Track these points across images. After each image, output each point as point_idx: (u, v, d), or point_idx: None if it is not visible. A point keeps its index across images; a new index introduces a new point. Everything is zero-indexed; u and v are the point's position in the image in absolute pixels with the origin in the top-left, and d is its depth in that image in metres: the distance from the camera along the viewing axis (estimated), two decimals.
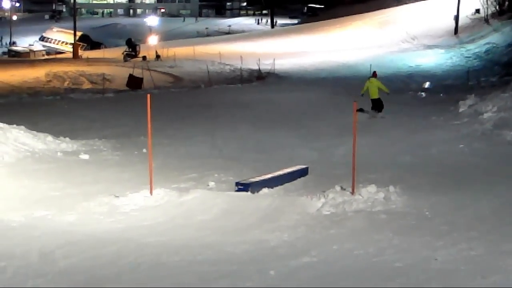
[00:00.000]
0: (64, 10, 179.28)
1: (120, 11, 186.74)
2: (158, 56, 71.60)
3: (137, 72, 51.71)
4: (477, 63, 58.93)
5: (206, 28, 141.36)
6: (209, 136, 25.39)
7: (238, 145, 23.99)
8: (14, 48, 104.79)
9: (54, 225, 12.88)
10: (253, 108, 34.30)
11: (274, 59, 60.18)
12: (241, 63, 61.05)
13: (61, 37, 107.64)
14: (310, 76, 56.19)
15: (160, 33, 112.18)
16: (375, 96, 31.51)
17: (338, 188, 15.33)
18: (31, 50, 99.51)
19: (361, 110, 29.15)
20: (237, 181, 16.86)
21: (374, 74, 33.26)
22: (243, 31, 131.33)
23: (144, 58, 69.88)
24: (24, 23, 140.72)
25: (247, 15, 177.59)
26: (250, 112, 32.89)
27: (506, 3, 74.65)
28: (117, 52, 79.69)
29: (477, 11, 78.71)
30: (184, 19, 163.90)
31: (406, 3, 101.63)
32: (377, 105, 31.40)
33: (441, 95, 41.42)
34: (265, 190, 16.32)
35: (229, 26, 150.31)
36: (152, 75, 51.95)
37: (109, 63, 66.89)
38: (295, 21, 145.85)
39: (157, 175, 16.26)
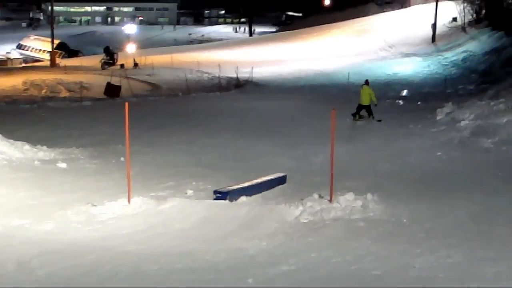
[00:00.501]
0: (41, 18, 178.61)
1: (98, 19, 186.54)
2: (136, 64, 71.45)
3: (115, 80, 51.52)
4: (454, 71, 59.16)
5: (190, 34, 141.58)
6: (187, 144, 25.34)
7: (217, 153, 23.96)
8: None
9: (32, 234, 12.81)
10: (232, 116, 34.29)
11: (252, 67, 60.17)
12: (219, 71, 61.00)
13: (39, 45, 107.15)
14: (288, 84, 56.23)
15: (138, 41, 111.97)
16: (366, 103, 32.97)
17: (316, 196, 15.33)
18: (8, 58, 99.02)
19: (358, 116, 32.90)
20: (215, 189, 16.84)
21: (367, 82, 34.49)
22: (221, 39, 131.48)
23: (122, 66, 69.68)
24: (1, 31, 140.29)
25: (225, 23, 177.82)
26: (229, 120, 32.88)
27: (483, 11, 75.07)
28: (95, 60, 79.45)
29: (454, 19, 79.14)
30: (162, 27, 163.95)
31: (384, 11, 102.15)
32: (368, 110, 32.99)
33: (419, 103, 41.55)
34: (243, 198, 16.30)
35: (203, 35, 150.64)
36: (130, 83, 51.79)
37: (87, 71, 66.62)
38: (274, 29, 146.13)
39: (135, 183, 16.21)
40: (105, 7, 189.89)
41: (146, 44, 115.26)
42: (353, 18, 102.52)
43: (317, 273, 10.33)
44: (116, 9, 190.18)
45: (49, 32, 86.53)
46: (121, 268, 10.45)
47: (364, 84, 34.26)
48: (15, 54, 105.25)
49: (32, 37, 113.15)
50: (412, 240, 12.31)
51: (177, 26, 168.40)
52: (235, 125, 31.09)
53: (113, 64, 72.74)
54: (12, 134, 23.90)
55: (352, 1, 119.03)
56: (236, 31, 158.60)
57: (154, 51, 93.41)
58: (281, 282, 9.91)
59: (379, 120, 32.14)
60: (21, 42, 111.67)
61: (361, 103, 33.18)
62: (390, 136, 27.57)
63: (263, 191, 17.50)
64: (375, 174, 20.12)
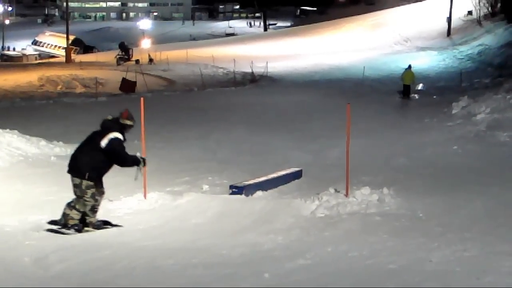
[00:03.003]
0: (56, 14, 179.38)
1: (112, 14, 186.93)
2: (151, 60, 71.58)
3: (130, 76, 51.66)
4: (470, 64, 58.94)
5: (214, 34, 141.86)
6: (203, 139, 25.37)
7: (232, 148, 23.98)
8: (6, 52, 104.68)
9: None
10: (247, 111, 34.30)
11: (267, 62, 60.18)
12: (234, 66, 61.03)
13: (54, 41, 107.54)
14: (303, 78, 56.18)
15: (153, 36, 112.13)
16: (408, 82, 42.91)
17: (332, 190, 15.31)
18: (24, 55, 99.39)
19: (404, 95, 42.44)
20: (231, 184, 16.84)
21: (409, 67, 44.51)
22: (235, 34, 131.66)
23: (137, 61, 69.83)
24: (17, 27, 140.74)
25: (240, 18, 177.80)
26: (244, 115, 32.89)
27: (499, 4, 74.71)
28: (110, 56, 79.69)
29: (470, 12, 78.78)
30: (183, 22, 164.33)
31: (398, 5, 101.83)
32: (406, 90, 42.39)
33: (434, 96, 41.48)
34: (259, 193, 16.32)
35: (231, 27, 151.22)
36: (145, 79, 51.91)
37: (102, 67, 66.81)
38: (289, 23, 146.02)
39: (151, 178, 16.22)
40: (119, 3, 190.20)
41: (161, 40, 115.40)
42: (367, 12, 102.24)
43: (333, 267, 10.32)
44: (130, 4, 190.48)
45: (64, 28, 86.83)
46: (137, 263, 10.47)
47: (407, 68, 44.16)
48: (31, 50, 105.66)
49: (48, 33, 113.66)
50: (428, 234, 12.27)
51: (191, 21, 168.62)
52: (250, 119, 31.10)
53: (128, 59, 72.94)
54: (28, 130, 24.01)
55: None
56: (250, 26, 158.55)
57: (169, 46, 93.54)
58: (297, 276, 9.90)
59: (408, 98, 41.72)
60: (37, 38, 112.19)
61: (404, 83, 42.71)
62: (406, 130, 27.54)
63: (279, 185, 17.51)
64: (391, 168, 20.09)
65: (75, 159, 12.84)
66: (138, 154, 13.77)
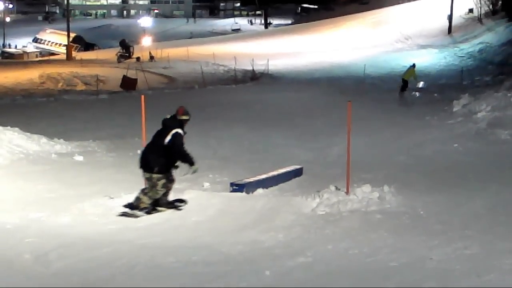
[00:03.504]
0: (57, 11, 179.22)
1: (113, 12, 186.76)
2: (152, 57, 71.57)
3: (131, 73, 51.67)
4: (470, 62, 58.92)
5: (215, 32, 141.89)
6: (203, 136, 25.32)
7: (233, 145, 23.98)
8: (7, 50, 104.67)
9: (49, 227, 12.86)
10: (248, 109, 34.28)
11: (268, 60, 60.15)
12: (235, 63, 61.02)
13: (55, 39, 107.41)
14: (304, 76, 56.16)
15: (153, 34, 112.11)
16: (406, 78, 44.12)
17: (332, 188, 15.33)
18: (24, 52, 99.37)
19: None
20: (231, 181, 16.85)
21: (414, 65, 45.36)
22: (241, 30, 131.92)
23: (138, 59, 69.83)
24: (17, 24, 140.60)
25: (240, 15, 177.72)
26: (245, 112, 32.87)
27: (500, 2, 74.71)
28: (110, 53, 79.66)
29: (471, 10, 78.80)
30: (188, 20, 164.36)
31: (399, 3, 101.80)
32: (404, 85, 43.69)
33: (435, 94, 41.43)
34: (260, 191, 16.32)
35: (237, 23, 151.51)
36: (146, 76, 51.90)
37: (103, 64, 66.81)
38: (289, 21, 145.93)
39: None
40: (120, 1, 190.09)
41: (161, 37, 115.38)
42: (368, 10, 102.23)
43: (334, 265, 10.33)
44: (131, 2, 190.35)
45: (65, 25, 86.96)
46: (137, 260, 10.48)
47: (411, 66, 45.37)
48: (32, 47, 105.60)
49: (48, 31, 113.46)
50: (429, 232, 12.28)
51: (192, 19, 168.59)
52: (251, 117, 31.09)
53: (129, 57, 72.91)
54: (29, 128, 24.00)
55: None
56: (251, 24, 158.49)
57: (169, 44, 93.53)
58: (298, 273, 9.91)
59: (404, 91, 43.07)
60: (37, 36, 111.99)
61: (403, 78, 44.33)
62: (407, 128, 27.52)
63: (280, 183, 17.51)
64: (391, 166, 20.09)
65: (144, 157, 14.40)
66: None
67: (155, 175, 14.11)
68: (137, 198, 14.29)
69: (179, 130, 14.32)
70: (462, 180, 17.94)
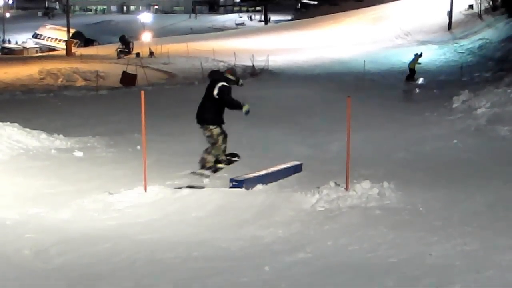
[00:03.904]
0: (57, 7, 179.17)
1: (113, 8, 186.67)
2: (151, 53, 71.62)
3: (131, 69, 51.67)
4: (470, 58, 58.94)
5: (215, 28, 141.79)
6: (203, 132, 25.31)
7: (232, 141, 23.80)
8: (7, 45, 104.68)
9: (48, 223, 12.86)
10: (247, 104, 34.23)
11: (267, 56, 60.13)
12: (235, 59, 61.00)
13: (55, 34, 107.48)
14: (303, 72, 56.17)
15: (153, 29, 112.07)
16: (412, 67, 48.37)
17: (332, 184, 15.31)
18: (24, 48, 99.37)
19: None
20: (231, 177, 16.82)
21: (420, 55, 49.88)
22: (244, 24, 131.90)
23: (137, 55, 69.85)
24: (17, 20, 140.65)
25: (240, 11, 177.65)
26: None
27: None
28: (110, 49, 79.66)
29: (471, 6, 78.80)
30: (190, 16, 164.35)
31: None
32: (411, 74, 48.13)
33: (435, 91, 41.45)
34: (259, 187, 16.32)
35: (241, 17, 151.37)
36: (145, 72, 51.93)
37: (102, 60, 66.85)
38: (289, 17, 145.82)
39: (151, 172, 16.25)
40: None
41: (161, 33, 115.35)
42: (368, 6, 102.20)
43: (333, 260, 10.33)
44: None
45: (64, 21, 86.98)
46: (137, 256, 10.48)
47: (418, 55, 49.62)
48: (31, 43, 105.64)
49: (48, 27, 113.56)
50: (429, 228, 12.27)
51: (193, 15, 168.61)
52: (250, 113, 31.02)
53: (129, 53, 72.95)
54: (29, 123, 24.01)
55: None
56: (251, 19, 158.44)
57: (169, 39, 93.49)
58: (297, 269, 9.91)
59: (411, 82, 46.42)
60: (37, 32, 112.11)
61: (409, 67, 48.86)
62: (406, 124, 27.52)
63: (279, 179, 17.50)
64: (391, 162, 20.09)
65: (200, 113, 16.00)
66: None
67: (213, 129, 15.76)
68: (202, 159, 16.03)
69: (225, 83, 15.90)
70: (462, 176, 17.94)
